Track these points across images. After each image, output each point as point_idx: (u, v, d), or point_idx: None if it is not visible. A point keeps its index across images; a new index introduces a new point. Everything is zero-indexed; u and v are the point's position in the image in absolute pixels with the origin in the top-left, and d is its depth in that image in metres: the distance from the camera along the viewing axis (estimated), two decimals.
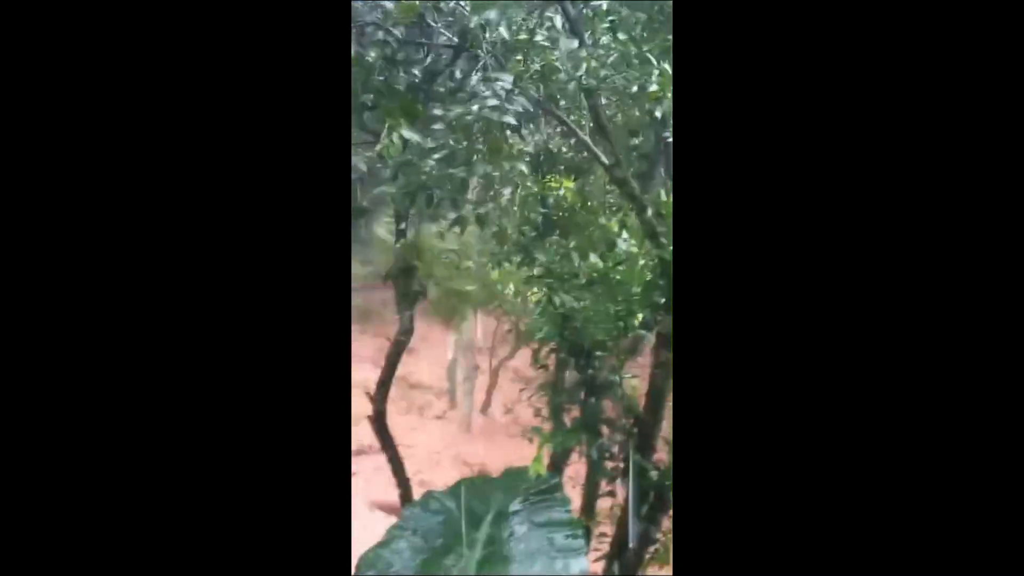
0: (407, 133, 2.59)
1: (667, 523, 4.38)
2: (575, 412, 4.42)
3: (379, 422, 4.77)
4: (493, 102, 2.70)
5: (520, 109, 2.78)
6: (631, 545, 4.33)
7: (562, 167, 3.70)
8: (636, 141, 3.95)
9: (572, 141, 3.68)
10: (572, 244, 3.73)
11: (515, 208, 3.31)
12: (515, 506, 3.53)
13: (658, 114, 3.31)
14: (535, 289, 4.02)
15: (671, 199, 3.63)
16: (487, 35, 2.81)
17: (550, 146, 3.37)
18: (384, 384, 4.74)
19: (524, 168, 2.95)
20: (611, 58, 3.28)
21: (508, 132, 2.92)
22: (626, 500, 4.53)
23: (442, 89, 2.90)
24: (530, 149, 3.18)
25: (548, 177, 3.62)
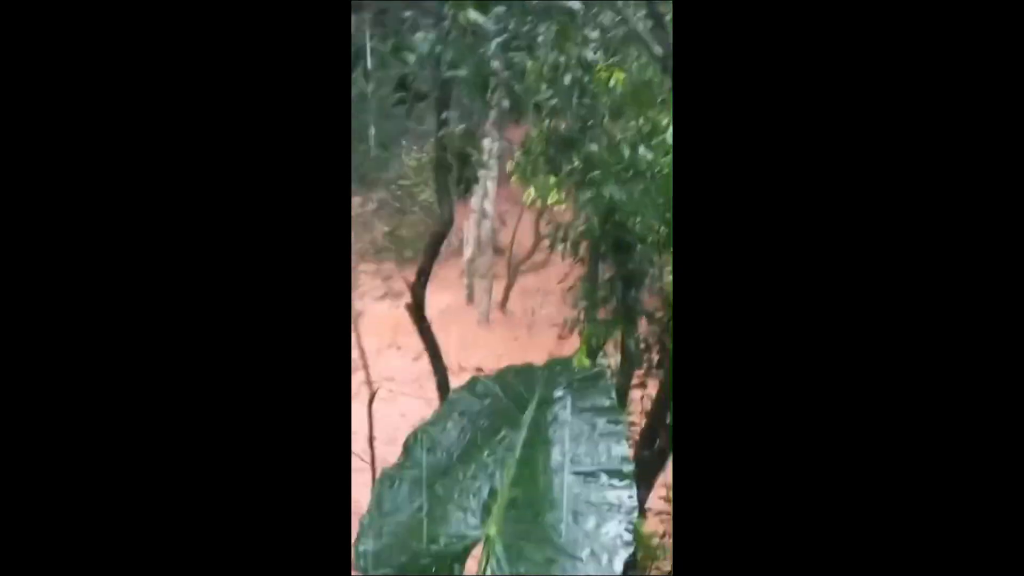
0: (473, 14, 2.57)
1: None
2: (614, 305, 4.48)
3: (418, 311, 4.86)
4: None
5: None
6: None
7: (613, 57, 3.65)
8: None
9: (623, 32, 3.63)
10: (620, 136, 3.72)
11: (574, 98, 3.29)
12: (559, 392, 3.62)
13: None
14: (576, 182, 4.03)
15: None
16: None
17: (609, 36, 3.33)
18: (423, 273, 4.81)
19: (590, 55, 2.92)
20: None
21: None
22: (659, 391, 4.64)
23: None
24: (595, 35, 3.15)
25: (600, 67, 3.59)
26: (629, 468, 3.16)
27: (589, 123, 3.62)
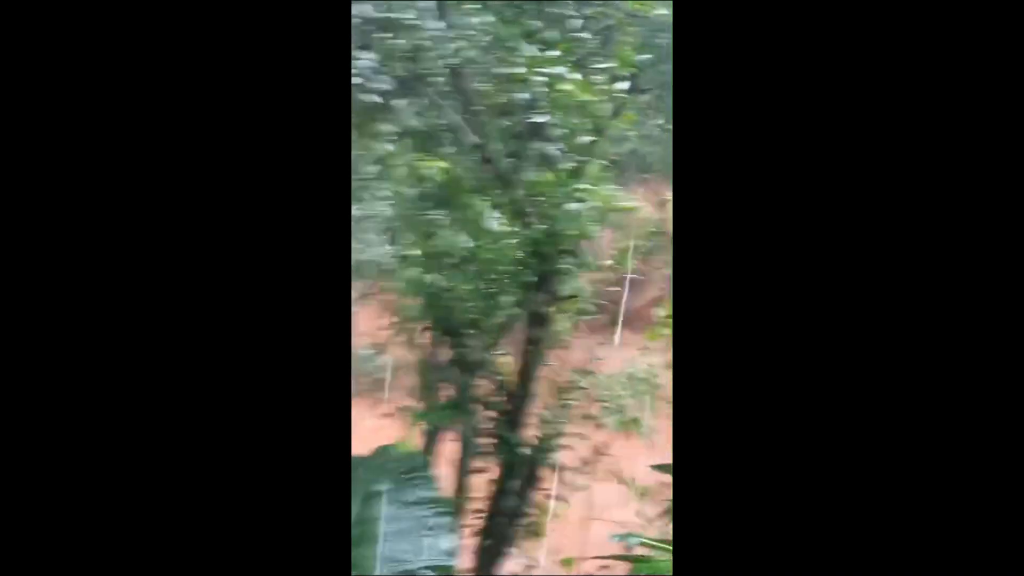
0: None
1: (538, 497, 4.47)
2: (450, 391, 4.44)
3: None
4: (356, 80, 2.68)
5: (385, 87, 2.77)
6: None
7: (433, 147, 3.69)
8: (507, 123, 3.95)
9: (443, 122, 3.68)
10: (443, 224, 3.74)
11: (387, 185, 3.29)
12: (384, 486, 3.53)
13: (525, 96, 3.34)
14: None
15: (547, 178, 3.65)
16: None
17: (417, 124, 3.36)
18: None
19: (391, 147, 2.94)
20: (481, 41, 3.29)
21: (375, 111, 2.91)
22: (499, 476, 4.60)
23: None
24: (396, 129, 3.17)
25: (418, 155, 3.62)
26: (452, 562, 3.11)
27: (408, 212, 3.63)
